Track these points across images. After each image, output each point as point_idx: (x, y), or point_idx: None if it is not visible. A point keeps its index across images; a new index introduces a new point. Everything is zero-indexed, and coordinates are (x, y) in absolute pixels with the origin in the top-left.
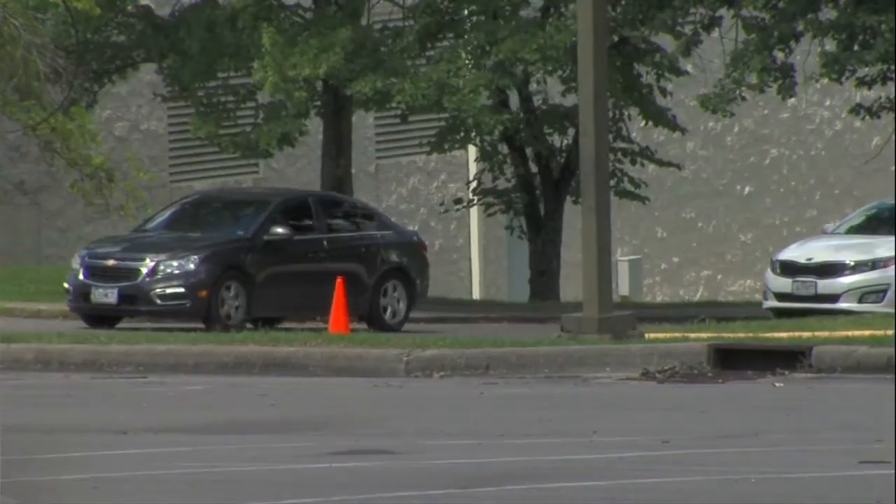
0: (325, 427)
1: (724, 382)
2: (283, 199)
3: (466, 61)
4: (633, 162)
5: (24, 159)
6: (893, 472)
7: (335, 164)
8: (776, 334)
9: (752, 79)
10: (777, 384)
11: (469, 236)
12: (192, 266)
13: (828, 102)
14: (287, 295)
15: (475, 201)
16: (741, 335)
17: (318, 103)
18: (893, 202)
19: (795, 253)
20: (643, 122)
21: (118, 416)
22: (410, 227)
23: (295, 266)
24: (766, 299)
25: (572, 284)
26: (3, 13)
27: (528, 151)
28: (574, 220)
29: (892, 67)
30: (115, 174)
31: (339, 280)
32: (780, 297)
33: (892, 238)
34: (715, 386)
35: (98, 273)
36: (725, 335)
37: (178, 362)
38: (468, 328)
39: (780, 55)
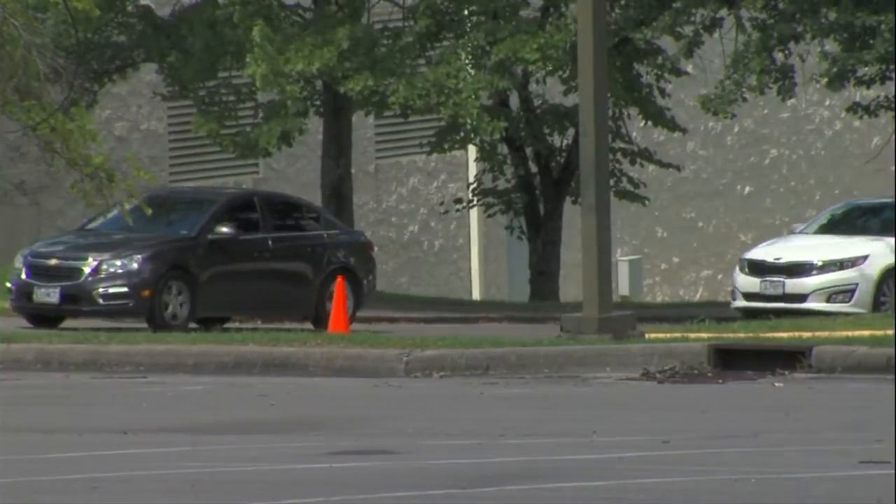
0: (325, 427)
1: (724, 382)
2: (228, 198)
3: (466, 62)
4: (633, 162)
5: (24, 159)
6: (893, 472)
7: (335, 164)
8: (776, 334)
9: (753, 80)
10: (777, 384)
11: (469, 236)
12: (135, 265)
13: (827, 102)
14: (232, 294)
15: (475, 201)
16: (741, 335)
17: (318, 103)
18: (861, 202)
19: (764, 252)
20: (643, 122)
21: (118, 416)
22: (410, 227)
23: (240, 265)
24: (734, 299)
25: (572, 284)
26: (3, 13)
27: (528, 151)
28: (574, 220)
29: (892, 67)
30: (115, 174)
31: (339, 280)
32: (748, 296)
33: (860, 238)
34: (715, 386)
35: (41, 272)
36: (725, 335)
37: (178, 362)
38: (468, 328)
39: (780, 56)
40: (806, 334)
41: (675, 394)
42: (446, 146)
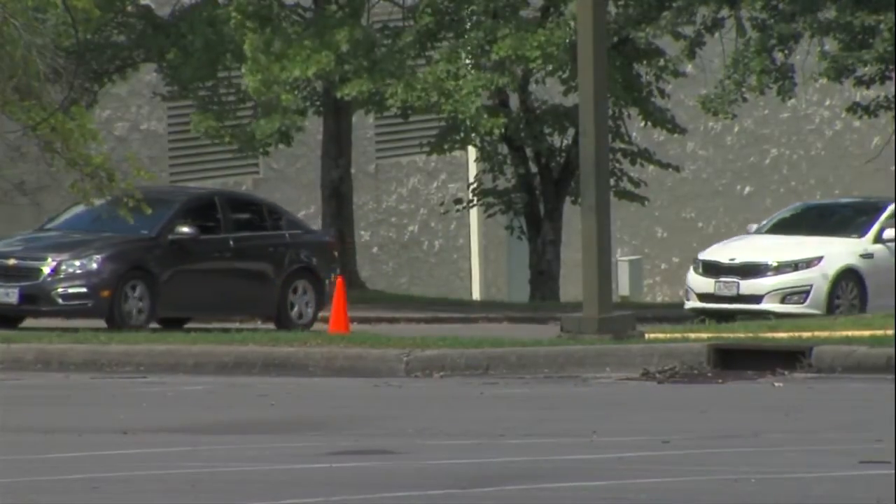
0: (325, 427)
1: (724, 382)
2: (188, 198)
3: (466, 61)
4: (633, 162)
5: (24, 159)
6: (893, 472)
7: (335, 164)
8: (776, 334)
9: (753, 80)
10: (777, 384)
11: (469, 236)
12: (94, 266)
13: (828, 102)
14: (192, 295)
15: (475, 201)
16: (741, 335)
17: (318, 103)
18: (816, 202)
19: (718, 253)
20: (643, 123)
21: (118, 416)
22: (410, 227)
23: (200, 265)
24: (688, 300)
25: (572, 284)
26: (3, 13)
27: (528, 151)
28: (574, 220)
29: (891, 67)
30: (115, 174)
31: (338, 280)
32: (703, 297)
33: (815, 238)
34: (715, 386)
35: (0, 272)
36: (725, 335)
37: (178, 362)
38: (468, 328)
39: (779, 56)
40: (806, 334)
41: (675, 394)
42: (446, 146)
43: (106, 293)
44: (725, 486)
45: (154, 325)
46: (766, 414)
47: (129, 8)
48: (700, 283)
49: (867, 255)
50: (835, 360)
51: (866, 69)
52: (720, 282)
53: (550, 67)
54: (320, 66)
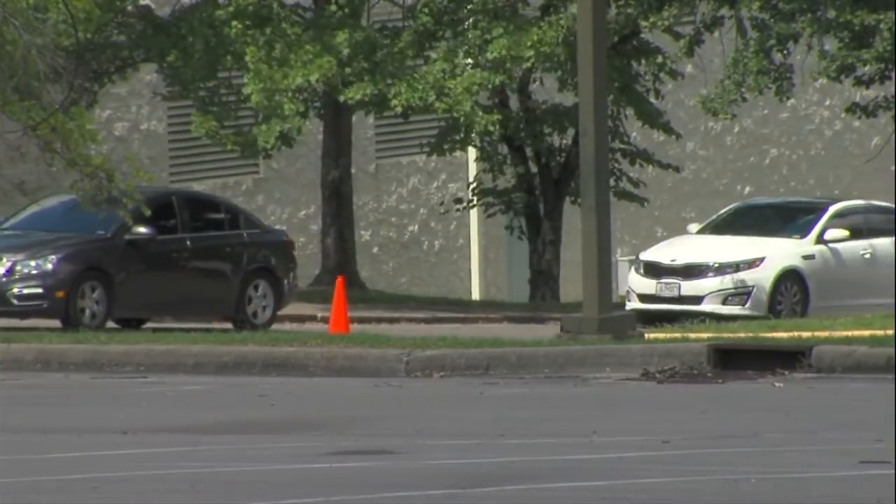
0: (325, 427)
1: (724, 382)
2: (145, 197)
3: (466, 61)
4: (633, 162)
5: (24, 159)
6: (893, 472)
7: (335, 164)
8: (776, 334)
9: (751, 81)
10: (777, 384)
11: (469, 236)
12: (50, 266)
13: (827, 102)
14: (149, 295)
15: (475, 201)
16: (741, 335)
17: (318, 105)
18: (758, 202)
19: (660, 254)
20: (641, 124)
21: (118, 416)
22: (410, 227)
23: (157, 266)
24: (629, 300)
25: (572, 284)
26: (3, 13)
27: (528, 151)
28: (574, 220)
29: (891, 66)
30: (114, 174)
31: (339, 280)
32: (644, 298)
33: (757, 239)
34: (715, 386)
35: None
36: (725, 335)
37: (178, 362)
38: (468, 328)
39: (778, 56)
40: (806, 334)
41: (675, 394)
42: (446, 147)
43: (61, 294)
44: (725, 486)
45: (111, 324)
46: (766, 414)
47: (129, 8)
48: (641, 283)
49: (809, 256)
50: (835, 360)
51: (866, 68)
52: (661, 283)
53: (547, 66)
54: (322, 71)
